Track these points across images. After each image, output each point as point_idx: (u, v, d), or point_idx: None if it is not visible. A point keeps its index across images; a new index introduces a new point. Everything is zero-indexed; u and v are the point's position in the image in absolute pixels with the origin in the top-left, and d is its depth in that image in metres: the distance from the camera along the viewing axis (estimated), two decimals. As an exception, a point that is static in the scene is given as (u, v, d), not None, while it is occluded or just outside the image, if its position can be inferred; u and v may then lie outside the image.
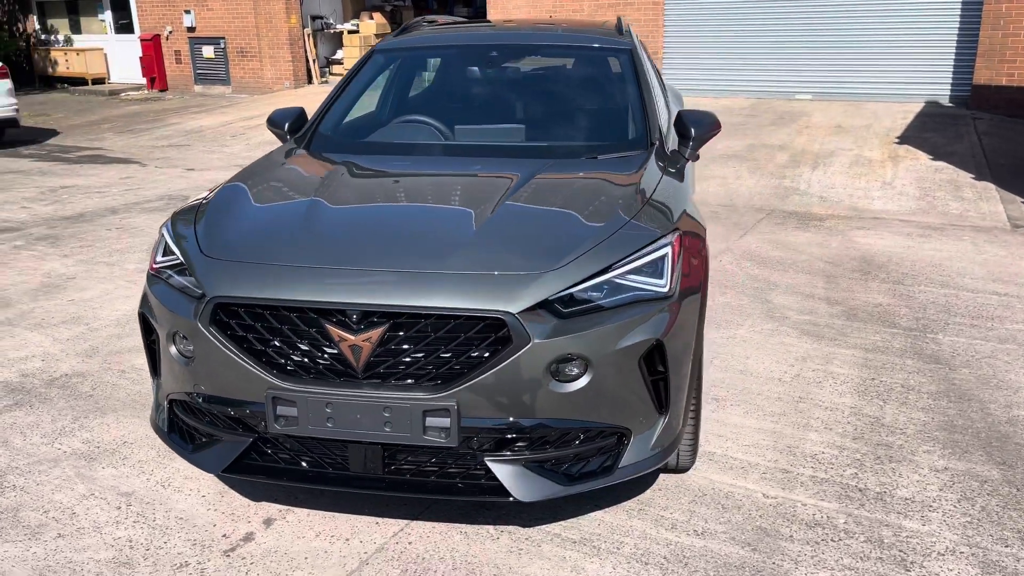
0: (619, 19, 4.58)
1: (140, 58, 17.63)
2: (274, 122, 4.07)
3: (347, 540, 2.90)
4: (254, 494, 3.17)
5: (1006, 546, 2.80)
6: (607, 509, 3.04)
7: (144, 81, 17.87)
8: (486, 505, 3.03)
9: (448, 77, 4.51)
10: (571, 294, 2.58)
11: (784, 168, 8.73)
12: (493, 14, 13.91)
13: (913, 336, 4.54)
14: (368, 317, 2.50)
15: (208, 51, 17.00)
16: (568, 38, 4.43)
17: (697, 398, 2.99)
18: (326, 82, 16.59)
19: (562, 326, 2.51)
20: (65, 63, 19.17)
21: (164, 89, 17.70)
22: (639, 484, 3.15)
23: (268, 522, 3.01)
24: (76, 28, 19.61)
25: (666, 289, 2.67)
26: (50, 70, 19.47)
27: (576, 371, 2.55)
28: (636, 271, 2.66)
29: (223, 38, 16.76)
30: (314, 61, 16.62)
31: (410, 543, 2.88)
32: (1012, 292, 5.16)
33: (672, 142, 3.90)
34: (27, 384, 4.18)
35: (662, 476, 3.22)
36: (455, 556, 2.80)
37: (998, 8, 10.87)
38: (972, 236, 6.40)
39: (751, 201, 7.64)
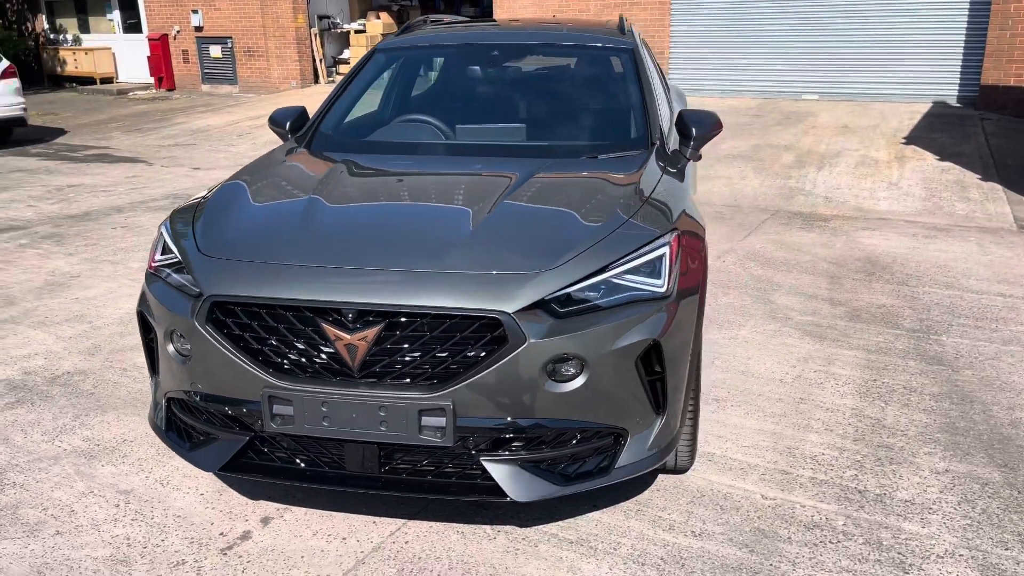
0: (621, 18, 4.57)
1: (148, 58, 17.69)
2: (275, 121, 4.08)
3: (344, 539, 2.90)
4: (252, 493, 3.17)
5: (1006, 549, 2.78)
6: (605, 509, 3.03)
7: (152, 80, 17.93)
8: (483, 505, 3.03)
9: (449, 76, 4.51)
10: (568, 294, 2.57)
11: (790, 168, 8.70)
12: (499, 13, 13.90)
13: (916, 337, 4.51)
14: (364, 316, 2.50)
15: (215, 51, 17.04)
16: (569, 37, 4.42)
17: (695, 398, 2.97)
18: (332, 82, 16.62)
19: (558, 326, 2.50)
20: (74, 62, 19.24)
21: (172, 88, 17.75)
22: (637, 485, 3.14)
23: (266, 520, 3.01)
24: (85, 28, 19.69)
25: (663, 289, 2.66)
26: (59, 69, 19.55)
27: (572, 371, 2.54)
28: (633, 271, 2.65)
29: (230, 38, 16.80)
30: (321, 61, 16.64)
31: (407, 542, 2.87)
32: (1017, 294, 5.13)
33: (674, 142, 3.88)
34: (29, 382, 4.20)
35: (660, 477, 3.21)
36: (451, 556, 2.80)
37: (1006, 8, 10.81)
38: (978, 237, 6.36)
39: (756, 201, 7.61)
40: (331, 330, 2.52)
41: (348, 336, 2.50)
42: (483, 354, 2.49)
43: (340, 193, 3.18)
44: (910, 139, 9.69)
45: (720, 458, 3.36)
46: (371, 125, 4.18)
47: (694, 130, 3.70)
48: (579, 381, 2.54)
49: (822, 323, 4.73)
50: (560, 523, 2.96)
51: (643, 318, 2.59)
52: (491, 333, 2.48)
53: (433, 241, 2.73)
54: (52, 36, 20.05)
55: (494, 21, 6.95)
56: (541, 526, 2.94)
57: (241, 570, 2.76)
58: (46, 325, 4.96)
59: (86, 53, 18.98)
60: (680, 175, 3.49)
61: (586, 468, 2.66)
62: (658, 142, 3.62)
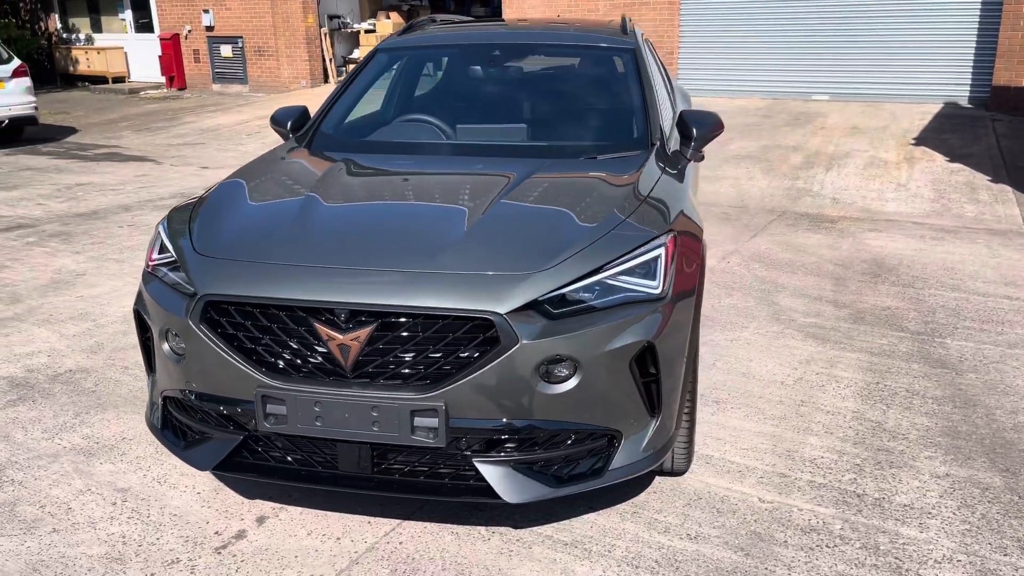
0: (624, 18, 4.55)
1: (159, 57, 17.77)
2: (277, 121, 4.09)
3: (338, 539, 2.90)
4: (248, 492, 3.17)
5: (1005, 555, 2.75)
6: (600, 511, 3.02)
7: (163, 80, 18.01)
8: (479, 506, 3.02)
9: (450, 76, 4.50)
10: (562, 295, 2.56)
11: (798, 169, 8.65)
12: (508, 13, 13.90)
13: (920, 340, 4.48)
14: (356, 316, 2.50)
15: (226, 50, 17.11)
16: (571, 37, 4.41)
17: (692, 400, 2.96)
18: (342, 81, 16.63)
19: (551, 327, 2.49)
20: (86, 61, 19.36)
21: (183, 88, 17.82)
22: (634, 486, 3.12)
23: (261, 520, 3.01)
24: (97, 27, 19.80)
25: (658, 291, 2.65)
26: (71, 68, 19.67)
27: (566, 372, 2.53)
28: (628, 272, 2.64)
29: (241, 37, 16.86)
30: (331, 60, 16.68)
31: (401, 543, 2.87)
32: (1024, 296, 5.09)
33: (675, 142, 3.86)
34: (31, 379, 4.22)
35: (657, 479, 3.19)
36: (445, 557, 2.79)
37: (1018, 9, 10.73)
38: (986, 239, 6.31)
39: (763, 202, 7.58)
40: (324, 330, 2.52)
41: (341, 336, 2.50)
42: (475, 355, 2.48)
43: (337, 193, 3.18)
44: (920, 140, 9.63)
45: (718, 460, 3.34)
46: (372, 125, 4.18)
47: (695, 130, 3.68)
48: (572, 382, 2.53)
49: (825, 325, 4.70)
50: (555, 525, 2.95)
51: (637, 319, 2.58)
52: (483, 334, 2.47)
53: (427, 241, 2.72)
54: (65, 35, 20.17)
55: (496, 21, 6.94)
56: (536, 527, 2.93)
57: (235, 569, 2.76)
58: (50, 323, 4.98)
59: (98, 52, 19.09)
60: (680, 176, 3.47)
61: (579, 470, 2.65)
62: (658, 143, 3.60)
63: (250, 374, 2.59)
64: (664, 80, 4.75)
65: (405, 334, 2.50)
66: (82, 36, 19.99)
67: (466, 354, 2.49)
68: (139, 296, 2.98)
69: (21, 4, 20.22)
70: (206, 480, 3.25)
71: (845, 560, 2.74)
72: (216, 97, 16.66)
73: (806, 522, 2.94)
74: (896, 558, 2.74)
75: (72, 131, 13.14)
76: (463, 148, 3.75)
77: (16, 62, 11.69)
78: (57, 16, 20.23)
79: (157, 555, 2.83)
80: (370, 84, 4.27)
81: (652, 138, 3.62)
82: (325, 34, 16.57)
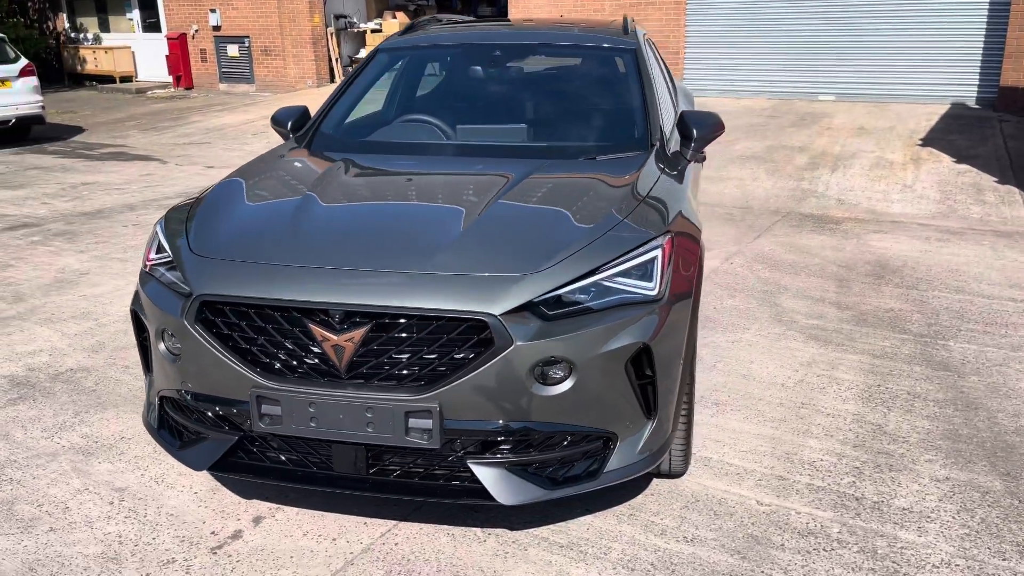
0: (625, 18, 4.54)
1: (166, 56, 17.82)
2: (277, 121, 4.09)
3: (334, 540, 2.90)
4: (245, 492, 3.17)
5: (1003, 559, 2.73)
6: (597, 513, 3.00)
7: (170, 79, 18.07)
8: (475, 507, 3.01)
9: (450, 76, 4.49)
10: (557, 296, 2.55)
11: (803, 170, 8.62)
12: (514, 13, 13.89)
13: (923, 342, 4.45)
14: (351, 317, 2.49)
15: (233, 50, 17.15)
16: (572, 38, 4.40)
17: (689, 402, 2.94)
18: (349, 81, 16.65)
19: (546, 328, 2.48)
20: (94, 61, 19.43)
21: (190, 87, 17.87)
22: (631, 489, 3.11)
23: (257, 520, 3.01)
24: (105, 26, 19.88)
25: (655, 292, 2.63)
26: (79, 68, 19.75)
27: (561, 374, 2.52)
28: (625, 274, 2.63)
29: (247, 37, 16.90)
30: (337, 60, 16.70)
31: (396, 544, 2.86)
32: (1029, 298, 5.05)
33: (676, 143, 3.85)
34: (32, 378, 4.23)
35: (655, 481, 3.18)
36: (440, 558, 2.79)
37: (1027, 8, 10.67)
38: (992, 241, 6.27)
39: (767, 203, 7.55)
40: (318, 331, 2.51)
41: (335, 337, 2.49)
42: (470, 356, 2.47)
43: (334, 193, 3.17)
44: (927, 141, 9.58)
45: (717, 463, 3.32)
46: (372, 125, 4.17)
47: (695, 131, 3.67)
48: (567, 384, 2.52)
49: (828, 327, 4.68)
50: (551, 527, 2.94)
51: (633, 321, 2.57)
52: (478, 335, 2.46)
53: (422, 242, 2.71)
54: (73, 35, 20.26)
55: (498, 21, 6.93)
56: (532, 529, 2.92)
57: (230, 569, 2.76)
58: (52, 322, 5.00)
59: (106, 52, 19.17)
60: (680, 176, 3.46)
61: (574, 472, 2.64)
62: (658, 143, 3.59)
63: (245, 374, 2.58)
64: (666, 80, 4.73)
65: (399, 335, 2.49)
66: (90, 36, 20.06)
67: (460, 355, 2.48)
68: (136, 296, 2.98)
69: (29, 4, 20.31)
70: (203, 480, 3.25)
71: (842, 564, 2.72)
72: (223, 97, 16.71)
73: (804, 525, 2.92)
74: (894, 562, 2.73)
75: (79, 130, 13.19)
76: (462, 148, 3.74)
77: (23, 61, 11.73)
78: (65, 16, 20.32)
79: (153, 555, 2.83)
80: (371, 84, 4.27)
81: (652, 139, 3.61)
82: (331, 34, 16.59)
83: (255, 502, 3.12)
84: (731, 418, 3.68)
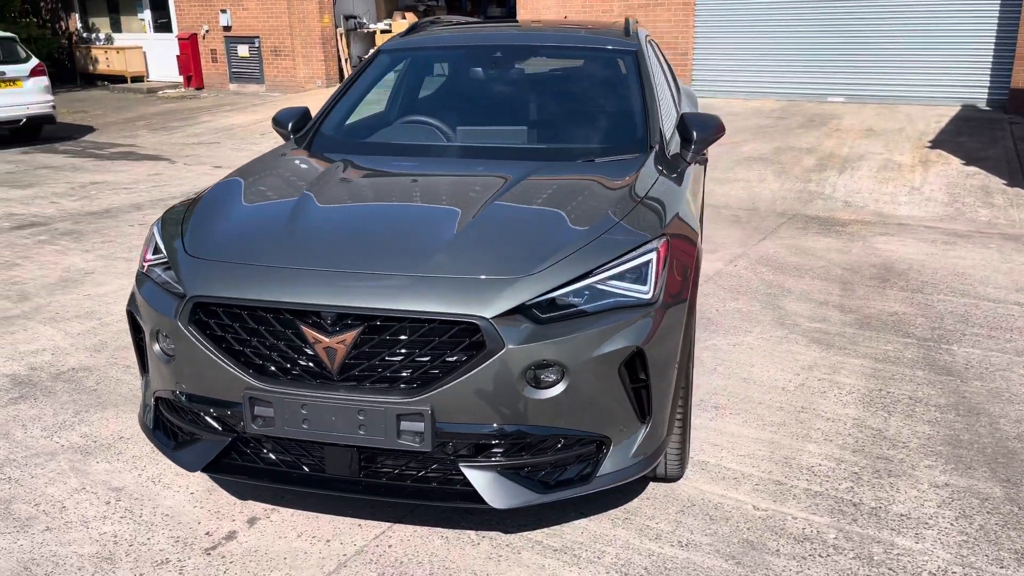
0: (627, 20, 4.52)
1: (177, 56, 17.91)
2: (278, 121, 4.09)
3: (328, 541, 2.90)
4: (241, 492, 3.18)
5: (1001, 567, 2.71)
6: (592, 517, 2.99)
7: (181, 79, 18.15)
8: (470, 510, 3.00)
9: (451, 78, 4.49)
10: (550, 299, 2.54)
11: (810, 172, 8.58)
12: (522, 14, 13.89)
13: (927, 346, 4.42)
14: (343, 319, 2.49)
15: (243, 50, 17.21)
16: (573, 39, 4.38)
17: (685, 406, 2.92)
18: (358, 81, 16.69)
19: (539, 332, 2.47)
20: (105, 61, 19.55)
21: (200, 87, 17.95)
22: (627, 492, 3.10)
23: (252, 521, 3.02)
24: (116, 27, 20.00)
25: (649, 296, 2.62)
26: (91, 68, 19.87)
27: (553, 377, 2.51)
28: (619, 277, 2.61)
29: (257, 37, 16.96)
30: (346, 60, 16.73)
31: (390, 546, 2.86)
32: (1035, 303, 5.01)
33: (676, 145, 3.83)
34: (34, 377, 4.25)
35: (651, 485, 3.17)
36: (433, 561, 2.78)
37: (1038, 10, 10.59)
38: (999, 244, 6.22)
39: (773, 205, 7.52)
40: (311, 333, 2.51)
41: (327, 339, 2.49)
42: (462, 359, 2.46)
43: (330, 194, 3.17)
44: (936, 143, 9.52)
45: (714, 467, 3.30)
46: (372, 126, 4.17)
47: (695, 133, 3.65)
48: (559, 388, 2.50)
49: (830, 330, 4.65)
50: (545, 530, 2.93)
51: (627, 325, 2.55)
52: (469, 338, 2.45)
53: (415, 244, 2.70)
54: (85, 35, 20.39)
55: (500, 22, 6.93)
56: (526, 532, 2.91)
57: (223, 570, 2.76)
58: (56, 321, 5.02)
59: (118, 52, 19.28)
60: (679, 179, 3.44)
61: (567, 476, 2.63)
62: (657, 145, 3.57)
63: (238, 376, 2.59)
64: (668, 82, 4.71)
65: (391, 337, 2.49)
66: (102, 36, 20.18)
67: (452, 358, 2.48)
68: (132, 297, 2.99)
69: (42, 4, 20.45)
70: (200, 480, 3.26)
71: (837, 570, 2.70)
72: (233, 97, 16.77)
73: (800, 531, 2.90)
74: (890, 569, 2.70)
75: (90, 130, 13.27)
76: (461, 150, 3.73)
77: (34, 61, 11.81)
78: (77, 16, 20.45)
79: (147, 555, 2.84)
80: (372, 85, 4.27)
81: (651, 141, 3.59)
82: (341, 34, 16.63)
83: (251, 503, 3.12)
84: (730, 422, 3.66)
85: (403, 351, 2.49)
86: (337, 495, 2.80)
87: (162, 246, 2.95)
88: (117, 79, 19.42)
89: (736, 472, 3.27)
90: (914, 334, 4.58)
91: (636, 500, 3.09)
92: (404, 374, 2.50)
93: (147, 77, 19.55)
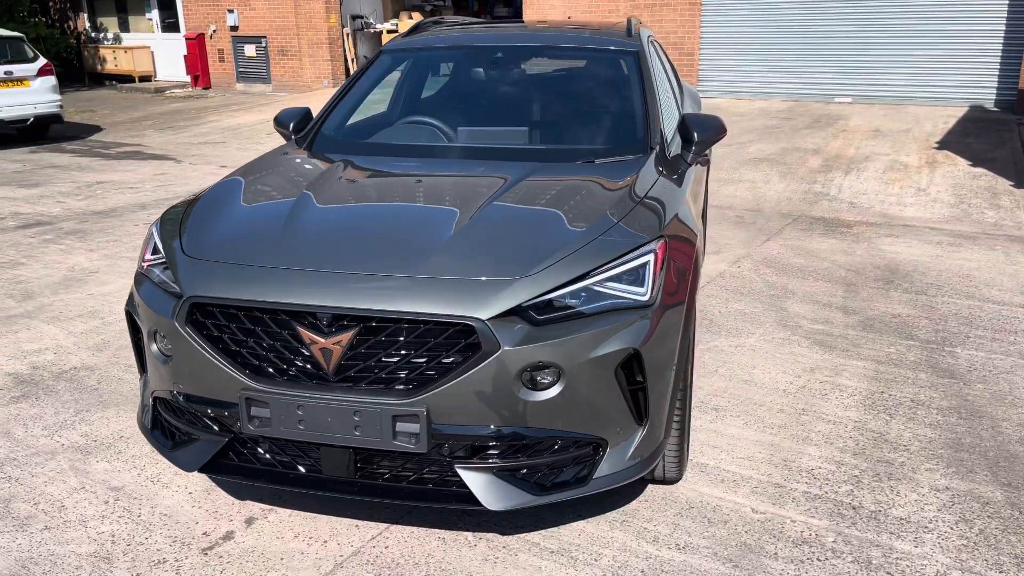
0: (629, 20, 4.51)
1: (185, 56, 17.97)
2: (280, 122, 4.09)
3: (325, 542, 2.90)
4: (239, 493, 3.18)
5: (1000, 572, 2.69)
6: (590, 519, 2.98)
7: (188, 79, 18.21)
8: (467, 511, 3.00)
9: (452, 78, 4.48)
10: (547, 301, 2.53)
11: (816, 173, 8.55)
12: (528, 14, 13.88)
13: (930, 349, 4.39)
14: (338, 320, 2.49)
15: (250, 50, 17.25)
16: (574, 40, 4.37)
17: (683, 408, 2.90)
18: (364, 81, 16.71)
19: (535, 333, 2.46)
20: (113, 60, 19.63)
21: (207, 87, 18.00)
22: (625, 494, 3.09)
23: (250, 521, 3.02)
24: (125, 26, 20.07)
25: (646, 297, 2.61)
26: (99, 67, 19.95)
27: (549, 379, 2.50)
28: (616, 278, 2.60)
29: (264, 37, 17.00)
30: (353, 60, 16.75)
31: (387, 547, 2.86)
32: (1040, 305, 4.98)
33: (677, 146, 3.82)
34: (36, 376, 4.26)
35: (649, 487, 3.16)
36: (430, 562, 2.78)
37: (1047, 10, 10.53)
38: (1005, 246, 6.19)
39: (778, 206, 7.49)
40: (307, 334, 2.51)
41: (323, 340, 2.49)
42: (457, 361, 2.46)
43: (329, 195, 3.17)
44: (943, 144, 9.48)
45: (713, 469, 3.29)
46: (374, 126, 4.17)
47: (696, 134, 3.64)
48: (555, 390, 2.50)
49: (833, 332, 4.63)
50: (543, 532, 2.92)
51: (624, 327, 2.54)
52: (465, 340, 2.45)
53: (412, 245, 2.70)
54: (93, 34, 20.47)
55: (503, 23, 6.93)
56: (524, 534, 2.91)
57: (220, 571, 2.76)
58: (59, 320, 5.04)
59: (125, 51, 19.35)
60: (679, 180, 3.43)
61: (563, 478, 2.62)
62: (657, 147, 3.55)
63: (234, 376, 2.59)
64: (671, 82, 4.70)
65: (387, 339, 2.48)
66: (110, 35, 20.27)
67: (448, 360, 2.47)
68: (130, 297, 2.99)
69: (51, 3, 20.54)
70: (199, 480, 3.26)
71: (835, 574, 2.68)
72: (240, 96, 16.81)
73: (798, 534, 2.89)
74: (888, 573, 2.69)
75: (97, 129, 13.32)
76: (461, 151, 3.73)
77: (41, 61, 11.85)
78: (86, 16, 20.53)
79: (144, 555, 2.84)
80: (374, 85, 4.26)
81: (651, 142, 3.58)
82: (347, 34, 16.65)
83: (248, 503, 3.12)
84: (730, 424, 3.64)
85: (399, 352, 2.48)
86: (333, 496, 2.80)
87: (160, 246, 2.95)
88: (125, 79, 19.50)
89: (735, 475, 3.25)
90: (917, 336, 4.56)
91: (634, 502, 3.08)
92: (400, 375, 2.50)
93: (155, 77, 19.61)
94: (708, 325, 4.74)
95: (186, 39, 17.82)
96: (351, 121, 4.09)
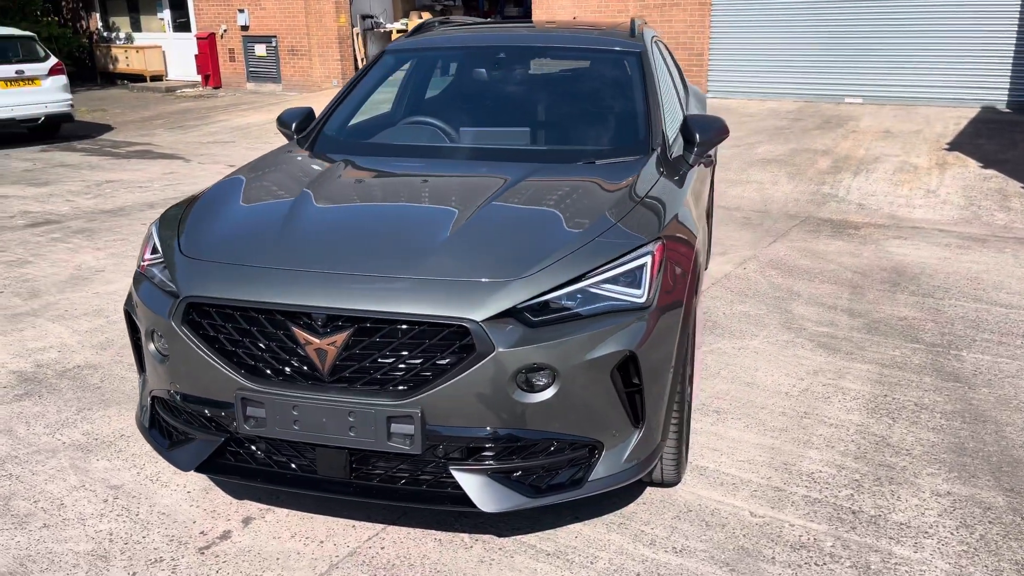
0: (633, 21, 4.49)
1: (196, 56, 18.04)
2: (283, 121, 4.09)
3: (321, 543, 2.89)
4: (238, 492, 3.18)
5: (1001, 578, 2.66)
6: (587, 521, 2.97)
7: (199, 78, 18.28)
8: (464, 512, 2.99)
9: (455, 79, 4.48)
10: (543, 302, 2.52)
11: (824, 174, 8.50)
12: (538, 14, 13.87)
13: (935, 352, 4.36)
14: (333, 321, 2.48)
15: (260, 49, 17.31)
16: (577, 40, 4.36)
17: (681, 411, 2.88)
18: (374, 81, 16.73)
19: (530, 335, 2.45)
20: (125, 60, 19.73)
21: (218, 86, 18.07)
22: (623, 497, 3.08)
23: (247, 521, 3.02)
24: (136, 26, 20.17)
25: (643, 299, 2.59)
26: (111, 67, 20.06)
27: (544, 381, 2.49)
28: (612, 280, 2.59)
29: (275, 36, 17.05)
30: (363, 60, 16.78)
31: (383, 548, 2.85)
32: (1048, 308, 4.93)
33: (679, 147, 3.79)
34: (40, 374, 4.28)
35: (648, 490, 3.14)
36: (425, 564, 2.77)
37: (1060, 10, 10.44)
38: (1014, 248, 6.13)
39: (786, 207, 7.46)
40: (301, 334, 2.51)
41: (318, 340, 2.49)
42: (452, 362, 2.45)
43: (327, 195, 3.16)
44: (953, 145, 9.41)
45: (712, 472, 3.27)
46: (376, 126, 4.16)
47: (698, 136, 3.62)
48: (551, 392, 2.49)
49: (838, 335, 4.60)
50: (539, 534, 2.91)
51: (620, 329, 2.53)
52: (459, 341, 2.44)
53: (408, 245, 2.69)
54: (105, 34, 20.58)
55: (506, 23, 6.92)
56: (520, 536, 2.90)
57: (216, 570, 2.76)
58: (64, 319, 5.06)
59: (137, 51, 19.45)
60: (680, 181, 3.41)
61: (558, 480, 2.61)
62: (659, 148, 3.54)
63: (230, 376, 2.59)
64: (675, 83, 4.67)
65: (382, 340, 2.48)
66: (122, 35, 20.37)
67: (443, 361, 2.46)
68: (129, 297, 3.00)
69: (64, 3, 20.66)
70: (197, 480, 3.27)
71: (833, 579, 2.66)
72: (250, 96, 16.87)
73: (796, 538, 2.87)
74: (886, 579, 2.66)
75: (107, 128, 13.38)
76: (463, 151, 3.72)
77: (53, 60, 11.92)
78: (98, 15, 20.64)
79: (141, 553, 2.85)
80: (377, 86, 4.26)
81: (653, 143, 3.56)
82: (357, 34, 16.68)
83: (246, 503, 3.12)
84: (731, 427, 3.62)
85: (393, 353, 2.48)
86: (329, 496, 2.79)
87: (159, 246, 2.96)
88: (136, 78, 19.59)
89: (735, 478, 3.23)
90: (923, 339, 4.52)
91: (632, 505, 3.06)
92: (395, 376, 2.49)
93: (166, 76, 19.70)
94: (712, 327, 4.71)
95: (197, 39, 17.90)
96: (354, 121, 4.09)
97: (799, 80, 12.49)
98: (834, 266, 5.81)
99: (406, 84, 4.50)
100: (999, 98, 11.27)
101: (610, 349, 2.50)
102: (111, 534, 2.96)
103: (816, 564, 2.74)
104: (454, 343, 2.45)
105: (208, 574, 2.74)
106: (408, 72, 4.50)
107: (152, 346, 2.80)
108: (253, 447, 2.74)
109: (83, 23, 20.76)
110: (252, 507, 3.10)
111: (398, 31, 17.06)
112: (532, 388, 2.49)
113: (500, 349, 2.41)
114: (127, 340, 4.67)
